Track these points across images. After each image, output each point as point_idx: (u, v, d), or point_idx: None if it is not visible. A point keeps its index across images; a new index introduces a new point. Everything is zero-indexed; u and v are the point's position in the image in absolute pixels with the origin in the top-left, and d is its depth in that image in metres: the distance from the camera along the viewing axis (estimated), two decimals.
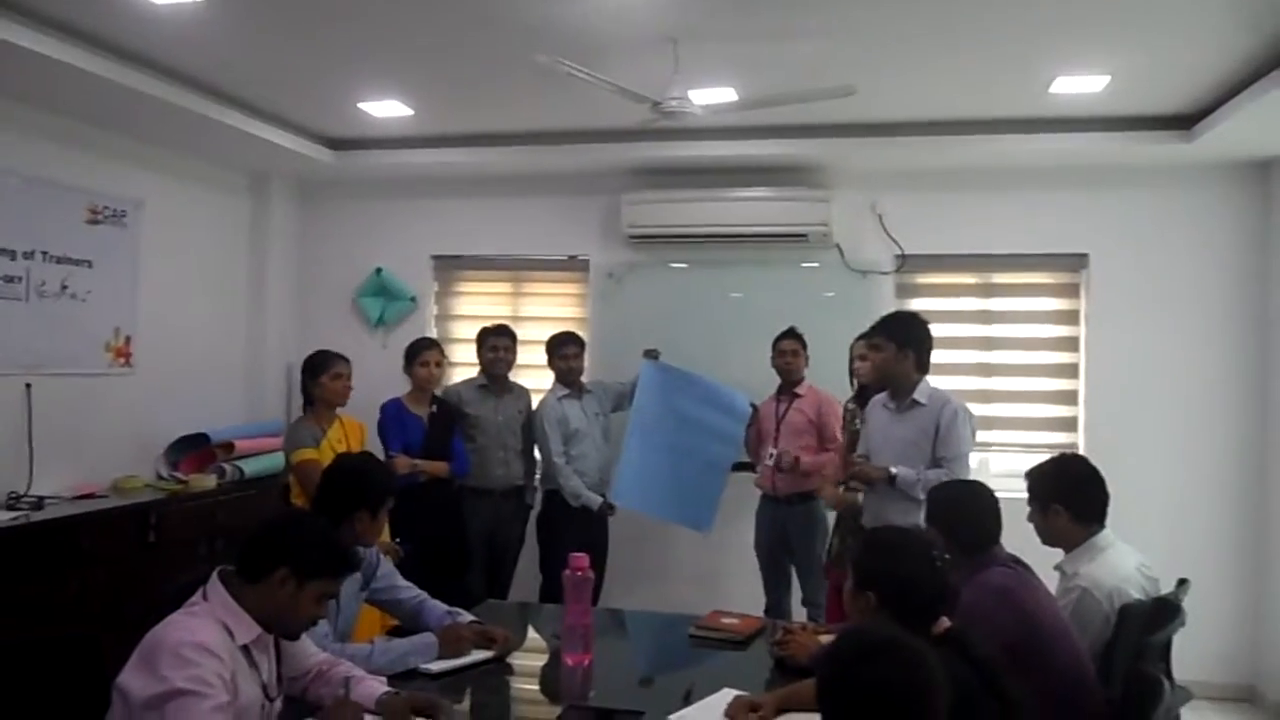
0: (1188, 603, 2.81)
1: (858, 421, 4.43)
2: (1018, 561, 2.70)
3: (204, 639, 2.03)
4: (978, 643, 2.05)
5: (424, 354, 4.73)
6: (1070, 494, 2.90)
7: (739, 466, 5.01)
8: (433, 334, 5.93)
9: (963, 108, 4.71)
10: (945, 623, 2.13)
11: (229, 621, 2.12)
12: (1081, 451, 5.18)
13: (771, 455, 4.74)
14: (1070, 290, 5.44)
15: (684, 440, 4.92)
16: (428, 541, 4.38)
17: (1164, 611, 2.67)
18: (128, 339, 4.97)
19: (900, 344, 3.80)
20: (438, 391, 4.85)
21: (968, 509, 2.69)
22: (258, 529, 2.23)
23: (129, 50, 4.04)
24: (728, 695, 2.44)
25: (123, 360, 4.96)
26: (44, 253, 4.49)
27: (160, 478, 5.01)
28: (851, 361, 4.51)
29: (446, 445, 4.69)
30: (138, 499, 4.57)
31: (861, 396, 4.47)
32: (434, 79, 4.46)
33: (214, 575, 2.19)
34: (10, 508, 4.08)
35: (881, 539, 2.28)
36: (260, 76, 4.47)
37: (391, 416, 4.62)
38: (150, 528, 4.44)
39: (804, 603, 4.81)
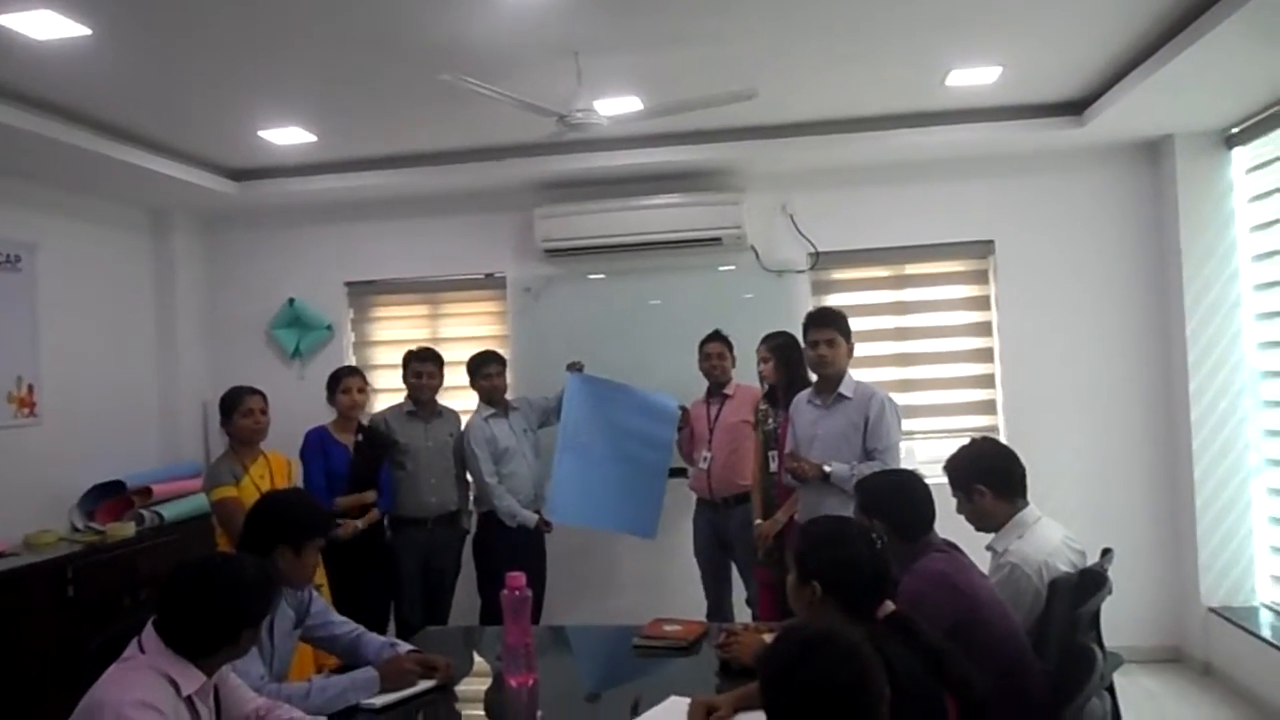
0: (1112, 571, 2.90)
1: (770, 421, 4.49)
2: (951, 545, 2.76)
3: (145, 696, 1.96)
4: (922, 627, 2.09)
5: (345, 381, 4.65)
6: (988, 473, 2.98)
7: (673, 472, 5.02)
8: (351, 361, 5.82)
9: (863, 105, 4.81)
10: (890, 606, 2.16)
11: (171, 672, 2.04)
12: (1001, 432, 5.32)
13: (706, 459, 4.77)
14: (980, 277, 5.58)
15: (618, 449, 4.91)
16: (355, 575, 4.32)
17: (1091, 582, 2.74)
18: (30, 388, 4.79)
19: (847, 338, 3.90)
20: (364, 420, 4.77)
21: (900, 497, 2.73)
22: (173, 577, 2.15)
23: (12, 89, 3.90)
24: (677, 703, 2.43)
25: (27, 410, 4.77)
26: None
27: (76, 530, 4.83)
28: (759, 363, 4.55)
29: (373, 475, 4.61)
30: (53, 554, 4.40)
31: (771, 397, 4.54)
32: (336, 103, 4.39)
33: (149, 625, 2.11)
34: None
35: (819, 529, 2.29)
36: (154, 110, 4.34)
37: (314, 444, 4.53)
38: (68, 582, 4.28)
39: (747, 602, 4.83)
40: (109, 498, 5.00)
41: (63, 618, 4.17)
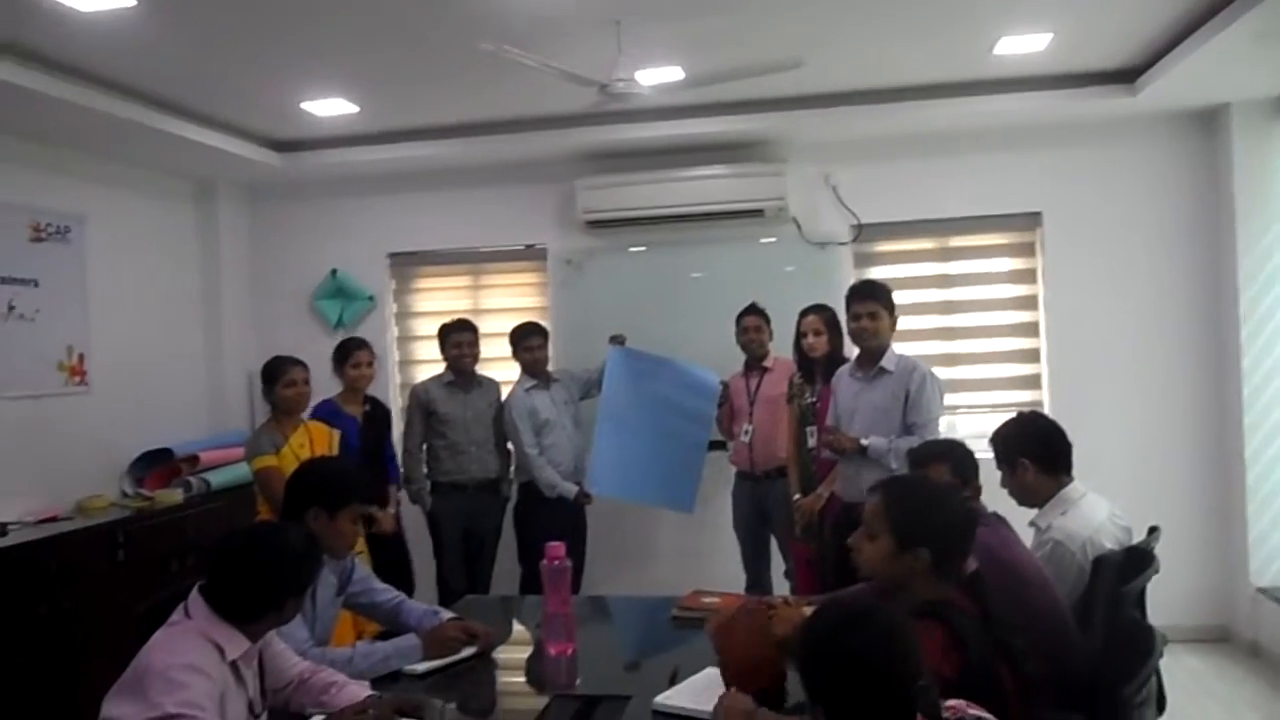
0: (1159, 549, 2.85)
1: (807, 395, 4.45)
2: (998, 518, 2.73)
3: (193, 659, 1.99)
4: (993, 591, 2.09)
5: (354, 355, 4.66)
6: (1033, 446, 2.94)
7: (712, 445, 5.02)
8: (394, 332, 5.87)
9: (910, 74, 4.72)
10: (972, 564, 2.15)
11: (217, 638, 2.08)
12: (1046, 407, 5.24)
13: (747, 432, 4.76)
14: (1026, 249, 5.49)
15: (658, 423, 4.90)
16: (399, 544, 4.38)
17: (1138, 560, 2.70)
18: (81, 357, 4.88)
19: (890, 311, 3.86)
20: (371, 391, 4.81)
21: (955, 466, 2.71)
22: (221, 544, 2.18)
23: (61, 61, 3.94)
24: (712, 674, 2.43)
25: (78, 379, 4.86)
26: None
27: (125, 495, 4.94)
28: (802, 335, 4.46)
29: (380, 446, 4.70)
30: (104, 519, 4.50)
31: (808, 370, 4.49)
32: (378, 74, 4.39)
33: (194, 590, 2.15)
34: None
35: (918, 495, 2.19)
36: (199, 81, 4.38)
37: (324, 417, 4.53)
38: (119, 547, 4.38)
39: (785, 575, 4.83)
40: (157, 465, 5.10)
41: (113, 581, 4.26)
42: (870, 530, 2.15)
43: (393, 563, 4.50)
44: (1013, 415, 3.11)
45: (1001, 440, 3.01)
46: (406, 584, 4.51)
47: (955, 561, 2.09)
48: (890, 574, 2.13)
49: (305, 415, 4.30)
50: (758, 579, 4.90)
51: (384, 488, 4.67)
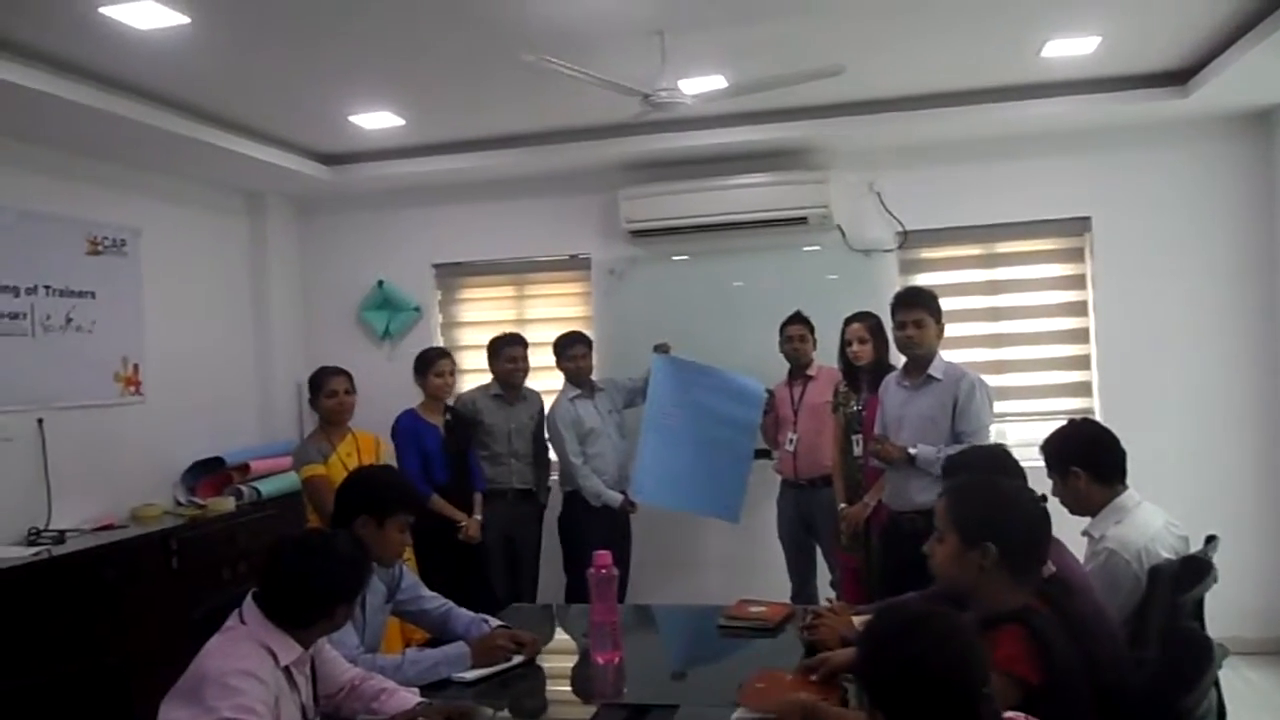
0: (1217, 559, 2.79)
1: (853, 404, 4.42)
2: None
3: (248, 665, 2.03)
4: (1074, 594, 2.06)
5: (438, 364, 4.72)
6: (1085, 454, 2.88)
7: (758, 454, 5.00)
8: (439, 342, 5.93)
9: (954, 79, 4.68)
10: (1051, 568, 2.13)
11: (270, 643, 2.11)
12: (1098, 415, 5.15)
13: (791, 441, 4.73)
14: (1075, 255, 5.41)
15: (703, 432, 4.89)
16: (441, 554, 4.40)
17: (1195, 569, 2.64)
18: (136, 367, 4.98)
19: (936, 318, 3.82)
20: (450, 400, 4.85)
21: (1000, 472, 2.66)
22: (273, 551, 2.21)
23: (117, 78, 4.04)
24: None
25: (133, 389, 4.96)
26: (46, 287, 4.49)
27: (179, 504, 5.03)
28: (846, 344, 4.45)
29: (463, 455, 4.71)
30: (158, 527, 4.58)
31: (852, 379, 4.46)
32: (423, 87, 4.45)
33: (248, 597, 2.18)
34: (31, 543, 4.10)
35: (980, 491, 2.17)
36: (250, 96, 4.46)
37: (406, 428, 4.62)
38: (172, 554, 4.45)
39: (831, 585, 4.79)
40: (209, 473, 5.19)
41: (167, 588, 4.34)
42: (939, 533, 2.14)
43: (471, 571, 4.55)
44: (1064, 423, 3.07)
45: (1052, 448, 2.96)
46: (485, 591, 4.53)
47: (1027, 561, 2.06)
48: (959, 575, 2.10)
49: (351, 423, 4.37)
50: (803, 588, 4.87)
51: (470, 495, 4.71)
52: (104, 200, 4.88)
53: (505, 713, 2.38)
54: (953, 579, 2.13)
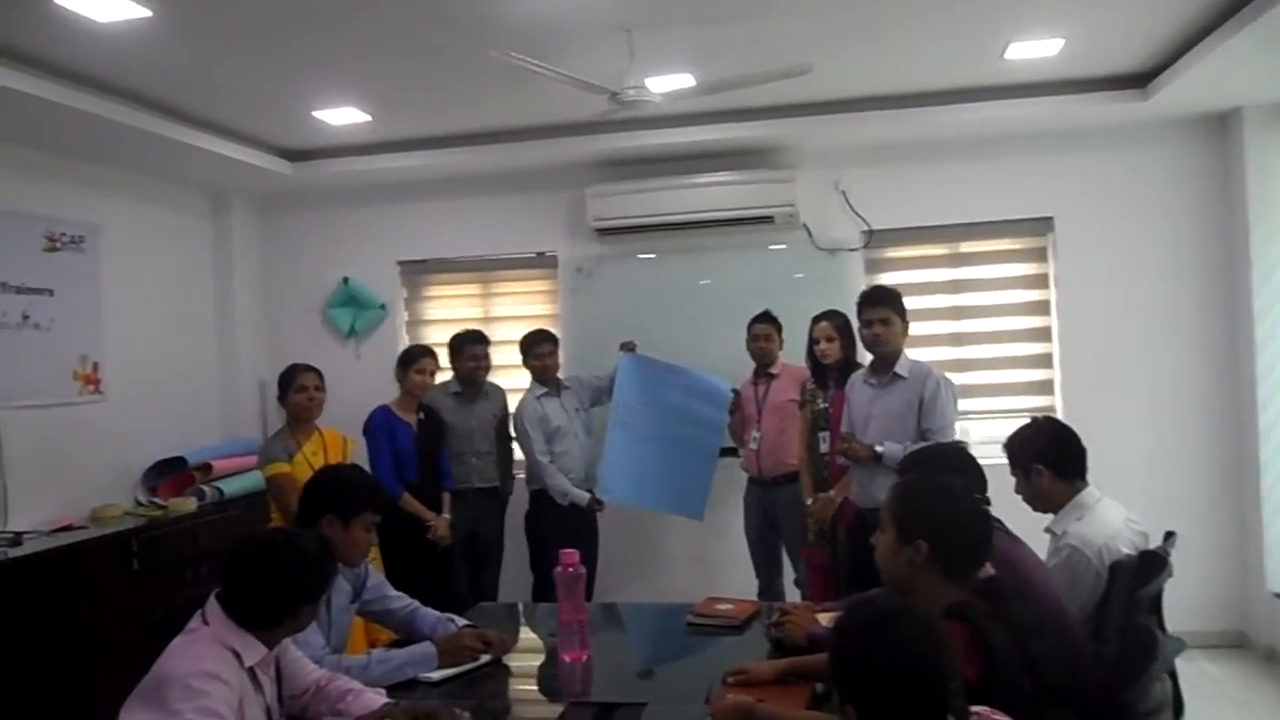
0: (1175, 554, 2.83)
1: (820, 401, 4.46)
2: (999, 524, 2.72)
3: (211, 667, 2.00)
4: (1012, 595, 2.08)
5: (421, 361, 4.68)
6: (1047, 452, 2.92)
7: (724, 452, 5.01)
8: (405, 341, 5.89)
9: (920, 80, 4.72)
10: (989, 569, 2.14)
11: (234, 644, 2.09)
12: (1059, 412, 5.22)
13: (755, 439, 4.75)
14: (1038, 254, 5.48)
15: (669, 430, 4.91)
16: (408, 552, 4.38)
17: (1152, 565, 2.68)
18: (95, 365, 4.90)
19: (902, 317, 3.85)
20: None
21: (954, 471, 2.67)
22: (236, 551, 2.19)
23: (75, 72, 3.97)
24: None
25: (92, 387, 4.88)
26: (2, 284, 4.41)
27: (139, 504, 4.95)
28: (814, 342, 4.49)
29: (436, 452, 4.68)
30: (118, 527, 4.51)
31: (820, 377, 4.50)
32: (389, 83, 4.41)
33: (211, 598, 2.16)
34: None
35: (920, 488, 2.21)
36: (213, 92, 4.40)
37: (380, 424, 4.57)
38: (133, 555, 4.39)
39: (796, 583, 4.82)
40: (171, 473, 5.12)
41: (127, 589, 4.28)
42: (881, 526, 2.17)
43: (437, 570, 4.52)
44: (1027, 421, 3.10)
45: (1015, 446, 3.00)
46: (450, 590, 4.50)
47: (962, 560, 2.08)
48: (894, 569, 2.13)
49: (318, 422, 4.32)
50: (769, 585, 4.89)
51: (439, 495, 4.68)
52: (62, 196, 4.80)
53: (471, 713, 2.37)
54: (889, 573, 2.16)
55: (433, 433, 4.70)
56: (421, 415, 4.68)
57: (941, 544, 2.06)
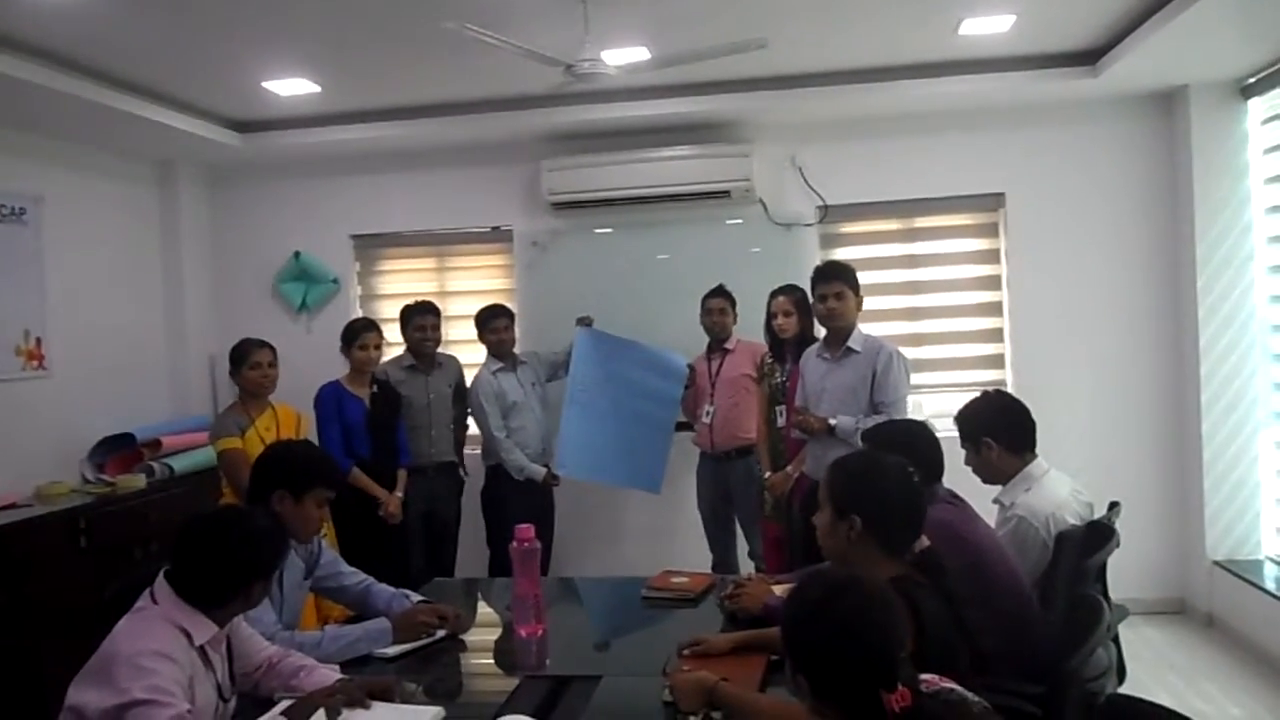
0: (1119, 524, 2.90)
1: (777, 375, 4.49)
2: (954, 496, 2.77)
3: (160, 645, 1.98)
4: (946, 567, 2.11)
5: (363, 336, 4.61)
6: (997, 425, 2.98)
7: (679, 426, 5.04)
8: (358, 314, 5.82)
9: (875, 55, 4.74)
10: (924, 542, 2.17)
11: (184, 623, 2.07)
12: (1010, 386, 5.30)
13: (708, 413, 4.78)
14: (990, 230, 5.54)
15: (625, 405, 4.92)
16: (361, 528, 4.35)
17: (1099, 535, 2.75)
18: (39, 341, 4.79)
19: (855, 291, 3.87)
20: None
21: (908, 447, 2.70)
22: (186, 528, 2.16)
23: (18, 40, 3.86)
24: None
25: (35, 363, 4.78)
26: None
27: (86, 481, 4.87)
28: (772, 316, 4.52)
29: (391, 427, 4.64)
30: (65, 505, 4.43)
31: (777, 351, 4.53)
32: (340, 53, 4.34)
33: (160, 576, 2.13)
34: None
35: (855, 464, 2.24)
36: (158, 60, 4.29)
37: (328, 399, 4.52)
38: (80, 533, 4.32)
39: (750, 555, 4.87)
40: (119, 450, 5.03)
41: (75, 568, 4.22)
42: (820, 503, 2.20)
43: (391, 545, 4.49)
44: (978, 394, 3.15)
45: (966, 419, 3.05)
46: (405, 566, 4.47)
47: (896, 534, 2.11)
48: (832, 545, 2.17)
49: (273, 399, 4.27)
50: (724, 558, 4.94)
51: (394, 471, 4.63)
52: (2, 166, 4.67)
53: (426, 688, 2.37)
54: (828, 549, 2.20)
55: (387, 406, 4.65)
56: (374, 389, 4.64)
57: (874, 518, 2.09)
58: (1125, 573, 3.34)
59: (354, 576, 3.03)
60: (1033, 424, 2.99)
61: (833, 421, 3.85)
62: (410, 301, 4.96)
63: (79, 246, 5.09)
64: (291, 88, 4.75)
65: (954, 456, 2.97)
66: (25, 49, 3.94)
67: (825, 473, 2.23)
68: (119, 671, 1.91)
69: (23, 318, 4.72)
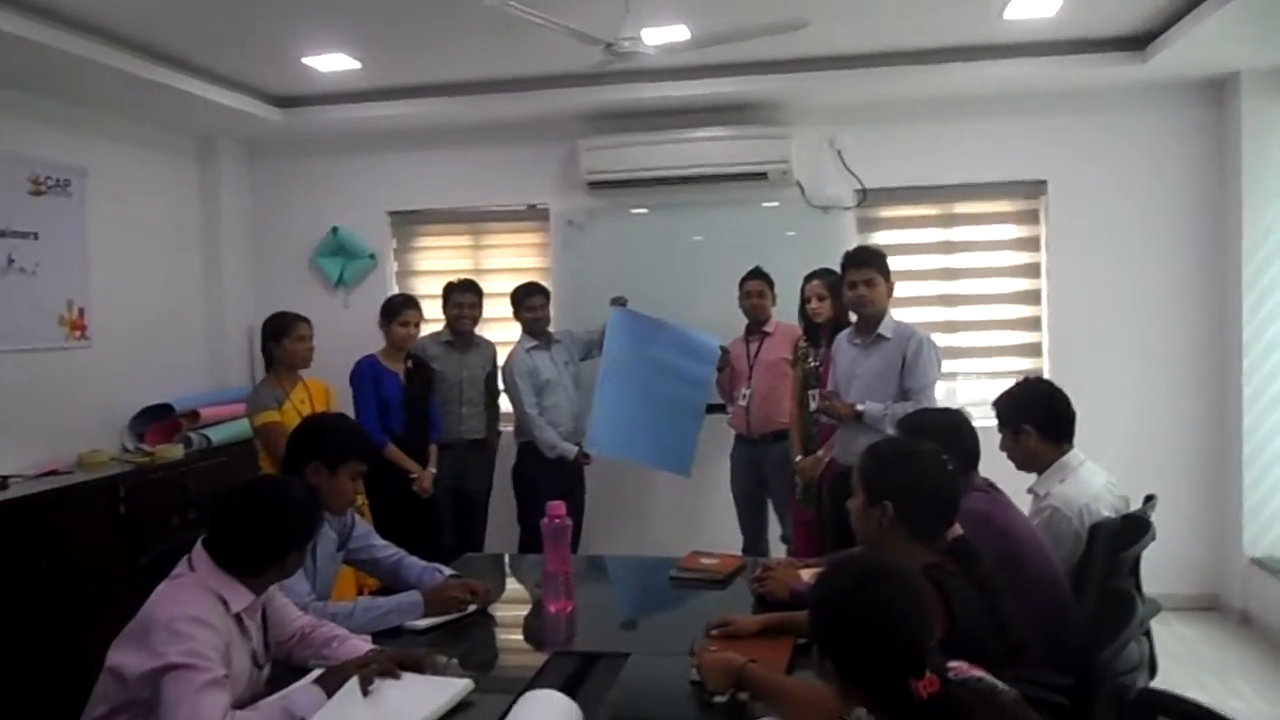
0: (1154, 518, 2.87)
1: (810, 360, 4.47)
2: (990, 485, 2.75)
3: (197, 611, 2.01)
4: (981, 555, 2.11)
5: (405, 312, 4.65)
6: (1037, 413, 2.95)
7: (711, 408, 5.03)
8: (394, 290, 5.87)
9: (918, 37, 4.68)
10: (957, 530, 2.17)
11: (221, 590, 2.10)
12: (1047, 375, 5.23)
13: (745, 396, 4.77)
14: (1030, 217, 5.46)
15: (657, 385, 4.92)
16: (394, 502, 4.39)
17: (1134, 527, 2.71)
18: (81, 311, 4.87)
19: (886, 277, 3.85)
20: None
21: (946, 435, 2.68)
22: (223, 498, 2.20)
23: (66, 14, 3.90)
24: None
25: (78, 333, 4.86)
26: None
27: (126, 450, 4.95)
28: (806, 300, 4.49)
29: (424, 402, 4.68)
30: (105, 473, 4.51)
31: (812, 335, 4.51)
32: (380, 29, 4.35)
33: (198, 544, 2.16)
34: None
35: (888, 450, 2.23)
36: (201, 36, 4.33)
37: (365, 373, 4.56)
38: (120, 501, 4.40)
39: (782, 539, 4.86)
40: (158, 420, 5.12)
41: (115, 535, 4.29)
42: (854, 489, 2.20)
43: (423, 520, 4.54)
44: (1019, 380, 3.12)
45: (1007, 405, 3.01)
46: (435, 542, 4.50)
47: (927, 521, 2.11)
48: (865, 531, 2.17)
49: (304, 372, 4.32)
50: (755, 541, 4.94)
51: (426, 445, 4.68)
52: (48, 139, 4.73)
53: (457, 660, 2.39)
54: (861, 535, 2.20)
55: (421, 382, 4.69)
56: (409, 364, 4.68)
57: (906, 505, 2.09)
58: (1160, 567, 3.30)
59: (386, 550, 3.06)
60: (1073, 414, 2.96)
61: (860, 408, 3.82)
62: (453, 279, 4.99)
63: (121, 219, 5.16)
64: (332, 63, 4.78)
65: (991, 445, 2.95)
66: (71, 23, 3.99)
67: (859, 459, 2.22)
68: (157, 636, 1.95)
69: (67, 288, 4.80)
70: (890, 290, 3.91)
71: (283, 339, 4.20)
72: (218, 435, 5.10)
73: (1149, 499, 3.00)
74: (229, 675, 2.02)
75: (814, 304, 4.43)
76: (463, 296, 4.88)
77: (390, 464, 4.46)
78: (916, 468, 2.12)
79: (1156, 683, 2.70)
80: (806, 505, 4.51)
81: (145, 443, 4.99)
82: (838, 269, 4.30)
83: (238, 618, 2.12)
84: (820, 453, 4.33)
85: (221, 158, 5.87)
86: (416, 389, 4.66)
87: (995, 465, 2.93)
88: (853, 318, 4.12)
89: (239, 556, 2.14)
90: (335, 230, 5.96)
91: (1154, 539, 2.74)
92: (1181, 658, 4.40)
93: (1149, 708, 1.75)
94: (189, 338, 5.72)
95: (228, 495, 2.20)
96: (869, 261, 3.88)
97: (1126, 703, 2.06)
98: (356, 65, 4.81)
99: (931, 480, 2.12)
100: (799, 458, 4.48)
